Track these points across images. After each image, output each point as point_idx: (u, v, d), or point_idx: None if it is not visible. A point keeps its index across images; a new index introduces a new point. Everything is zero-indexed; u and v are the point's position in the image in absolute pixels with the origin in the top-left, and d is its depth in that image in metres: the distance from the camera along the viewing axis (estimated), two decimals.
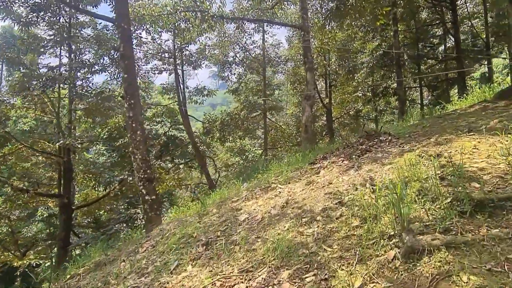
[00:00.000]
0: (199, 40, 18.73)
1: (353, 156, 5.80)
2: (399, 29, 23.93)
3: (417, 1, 21.51)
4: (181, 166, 27.55)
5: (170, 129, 25.77)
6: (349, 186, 4.41)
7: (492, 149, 4.16)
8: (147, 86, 18.46)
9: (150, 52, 19.02)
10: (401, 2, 20.67)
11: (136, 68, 18.39)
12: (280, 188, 5.50)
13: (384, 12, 9.77)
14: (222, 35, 22.47)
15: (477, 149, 4.26)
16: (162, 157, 27.88)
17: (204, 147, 21.37)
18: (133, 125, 8.26)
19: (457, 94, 24.47)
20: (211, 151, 23.27)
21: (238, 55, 23.70)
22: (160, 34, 17.73)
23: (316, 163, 6.90)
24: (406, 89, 26.90)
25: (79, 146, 13.83)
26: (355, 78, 22.16)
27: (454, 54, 22.52)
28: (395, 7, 17.03)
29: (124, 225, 16.24)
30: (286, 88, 27.88)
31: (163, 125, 26.35)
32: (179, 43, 17.45)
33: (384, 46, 22.34)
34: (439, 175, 3.77)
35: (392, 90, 23.06)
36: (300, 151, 12.98)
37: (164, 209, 26.48)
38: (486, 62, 25.15)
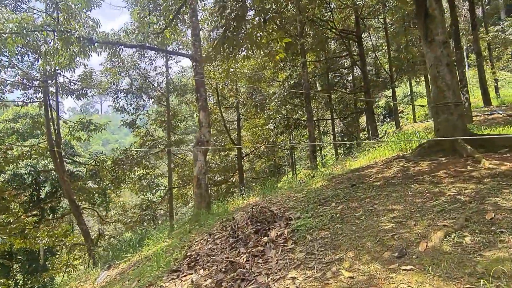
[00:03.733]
0: (80, 66, 15.27)
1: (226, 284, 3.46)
2: (310, 59, 23.39)
3: (325, 32, 21.07)
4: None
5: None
6: None
7: None
8: None
9: (10, 80, 14.95)
10: (310, 32, 19.94)
11: None
12: None
13: (283, 44, 7.93)
14: (116, 59, 19.20)
15: None
16: (51, 198, 22.89)
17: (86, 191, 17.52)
18: None
19: (365, 121, 24.70)
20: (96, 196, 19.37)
21: (136, 83, 20.54)
22: (21, 57, 13.99)
23: (179, 275, 4.46)
24: (319, 120, 26.46)
25: None
26: (265, 110, 20.63)
27: (361, 84, 22.57)
28: (302, 38, 15.88)
29: None
30: (193, 120, 25.35)
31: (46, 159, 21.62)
32: (49, 68, 13.86)
33: (296, 76, 21.38)
34: None
35: (304, 122, 22.08)
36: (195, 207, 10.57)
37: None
38: (390, 92, 26.00)
